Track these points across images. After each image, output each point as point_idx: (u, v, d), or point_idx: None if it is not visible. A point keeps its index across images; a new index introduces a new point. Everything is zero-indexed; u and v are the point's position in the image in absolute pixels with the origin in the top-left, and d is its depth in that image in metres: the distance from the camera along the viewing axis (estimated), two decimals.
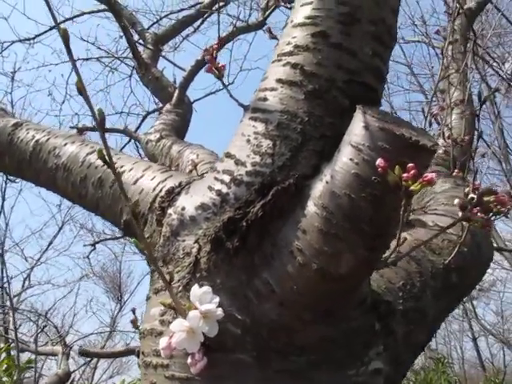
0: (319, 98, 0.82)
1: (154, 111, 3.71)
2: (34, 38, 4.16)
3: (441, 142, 2.44)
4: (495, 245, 7.96)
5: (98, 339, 10.09)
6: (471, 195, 0.78)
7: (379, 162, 0.61)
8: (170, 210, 0.93)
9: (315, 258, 0.71)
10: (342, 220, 0.69)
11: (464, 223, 1.23)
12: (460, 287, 1.26)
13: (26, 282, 8.93)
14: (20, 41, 4.32)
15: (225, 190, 0.83)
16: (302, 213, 0.73)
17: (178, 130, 2.78)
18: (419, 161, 0.67)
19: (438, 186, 1.92)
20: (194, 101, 3.25)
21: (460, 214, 1.20)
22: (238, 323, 0.75)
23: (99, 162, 1.22)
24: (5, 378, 3.17)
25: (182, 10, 4.17)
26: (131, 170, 1.16)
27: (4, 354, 3.56)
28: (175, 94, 3.02)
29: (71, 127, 3.20)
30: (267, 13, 3.22)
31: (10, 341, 4.45)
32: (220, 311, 0.70)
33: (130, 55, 3.75)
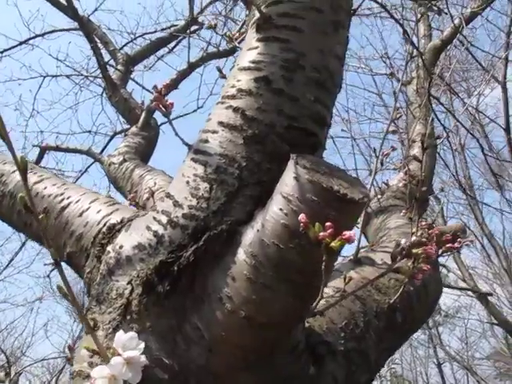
0: (258, 143, 0.83)
1: (121, 132, 3.69)
2: (2, 52, 4.11)
3: (401, 175, 2.50)
4: (459, 273, 8.10)
5: (58, 361, 9.80)
6: (401, 246, 0.78)
7: (301, 217, 0.61)
8: (109, 247, 0.92)
9: (243, 306, 0.71)
10: (270, 269, 0.69)
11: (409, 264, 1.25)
12: (404, 327, 1.27)
13: None
14: None
15: (161, 231, 0.83)
16: (233, 260, 0.73)
17: (143, 153, 2.76)
18: (347, 213, 0.68)
19: (393, 221, 1.96)
20: (162, 124, 3.24)
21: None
22: (166, 368, 0.74)
23: (46, 192, 1.20)
24: None
25: (156, 31, 4.16)
26: (78, 201, 1.15)
27: None
28: (142, 117, 3.01)
29: (33, 145, 3.15)
30: (237, 41, 3.26)
31: None
32: (143, 358, 0.69)
33: (101, 74, 3.73)
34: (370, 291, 1.24)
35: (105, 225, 1.03)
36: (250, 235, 0.73)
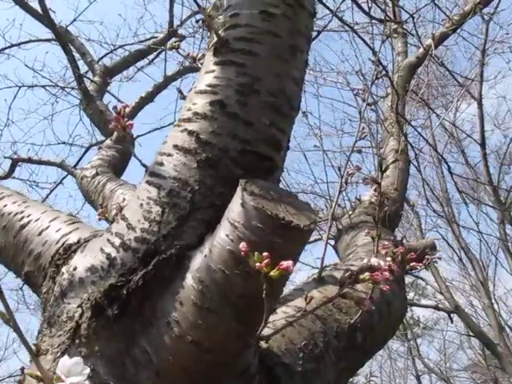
0: (211, 167, 0.83)
1: (96, 144, 3.67)
2: None
3: (371, 192, 2.52)
4: (436, 285, 8.17)
5: None
6: (349, 272, 0.79)
7: (241, 245, 0.62)
8: (63, 269, 0.91)
9: (190, 331, 0.71)
10: (216, 294, 0.69)
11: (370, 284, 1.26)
12: (365, 346, 1.28)
13: None
14: None
15: (114, 253, 0.83)
16: (181, 284, 0.73)
17: (116, 166, 2.75)
18: (292, 240, 0.69)
19: (361, 238, 1.98)
20: (137, 136, 3.23)
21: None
22: None
23: (6, 210, 1.19)
24: None
25: (133, 43, 4.16)
26: (38, 219, 1.14)
27: None
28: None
29: (5, 157, 3.11)
30: (201, 61, 3.28)
31: None
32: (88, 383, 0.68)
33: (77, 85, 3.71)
34: (331, 311, 1.24)
35: (63, 244, 1.02)
36: (198, 260, 0.73)
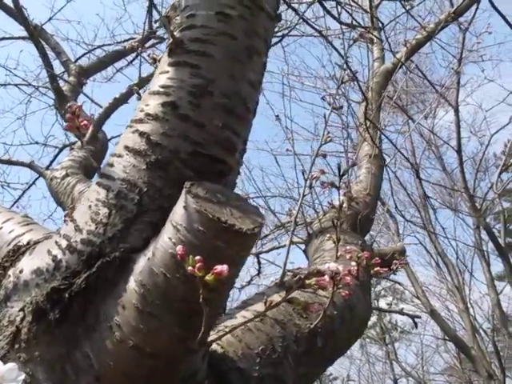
0: (161, 168, 0.82)
1: (69, 145, 3.61)
2: None
3: (342, 197, 2.53)
4: (413, 290, 8.24)
5: None
6: (298, 276, 0.79)
7: (178, 248, 0.61)
8: (10, 271, 0.89)
9: (132, 335, 0.69)
10: (158, 299, 0.68)
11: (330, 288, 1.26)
12: (325, 351, 1.27)
13: None
14: None
15: (60, 256, 0.81)
16: (124, 288, 0.72)
17: (87, 167, 2.71)
18: (235, 244, 0.68)
19: (329, 243, 1.97)
20: (112, 138, 3.19)
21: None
22: None
23: None
24: None
25: (111, 44, 4.12)
26: None
27: None
28: (89, 131, 2.96)
29: None
30: None
31: None
32: None
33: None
34: (291, 315, 1.24)
35: (15, 245, 1.00)
36: (141, 263, 0.72)
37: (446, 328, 8.23)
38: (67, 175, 2.50)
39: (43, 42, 3.64)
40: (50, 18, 4.20)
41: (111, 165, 0.86)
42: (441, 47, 6.82)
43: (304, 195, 1.38)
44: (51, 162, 3.72)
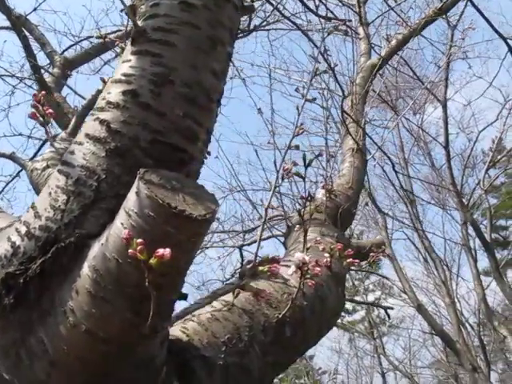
0: (120, 156, 0.83)
1: (53, 137, 3.59)
2: None
3: (323, 191, 2.54)
4: (400, 285, 8.29)
5: None
6: (252, 263, 0.80)
7: (124, 232, 0.62)
8: None
9: (84, 320, 0.70)
10: (110, 283, 0.69)
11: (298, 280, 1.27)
12: (294, 341, 1.28)
13: None
14: None
15: (18, 242, 0.81)
16: (78, 273, 0.72)
17: None
18: (186, 230, 0.69)
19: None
20: None
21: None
22: None
23: None
24: None
25: (90, 36, 4.10)
26: None
27: None
28: (71, 122, 2.95)
29: None
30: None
31: None
32: None
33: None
34: (260, 305, 1.25)
35: None
36: (95, 249, 0.72)
37: (433, 322, 8.30)
38: (48, 167, 2.48)
39: (27, 33, 3.62)
40: (35, 9, 4.18)
41: (72, 152, 0.86)
42: (430, 44, 6.85)
43: (276, 186, 1.39)
44: (35, 153, 3.71)
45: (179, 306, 1.16)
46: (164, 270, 0.64)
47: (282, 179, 1.43)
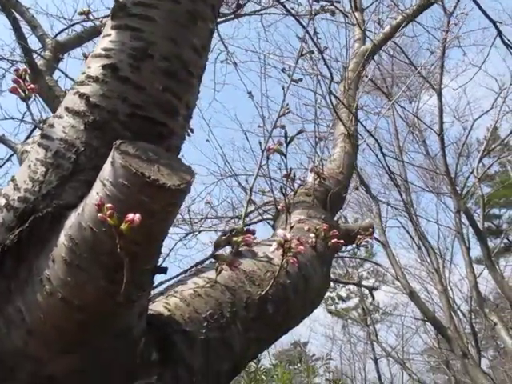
0: (99, 129, 0.83)
1: (45, 120, 3.58)
2: None
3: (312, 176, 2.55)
4: (393, 272, 8.35)
5: None
6: (226, 235, 0.81)
7: (96, 199, 0.62)
8: None
9: (60, 288, 0.71)
10: (85, 252, 0.70)
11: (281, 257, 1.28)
12: (276, 318, 1.30)
13: None
14: None
15: None
16: (55, 242, 0.73)
17: None
18: (159, 199, 0.70)
19: (293, 216, 2.00)
20: None
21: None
22: None
23: None
24: None
25: (83, 20, 4.07)
26: None
27: None
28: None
29: None
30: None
31: None
32: None
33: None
34: (243, 282, 1.26)
35: None
36: (72, 219, 0.73)
37: (425, 309, 8.37)
38: None
39: (18, 16, 3.59)
40: None
41: (52, 125, 0.87)
42: (426, 31, 6.84)
43: (261, 166, 1.40)
44: (27, 137, 3.69)
45: (160, 281, 1.17)
46: (137, 238, 0.65)
47: (268, 159, 1.44)
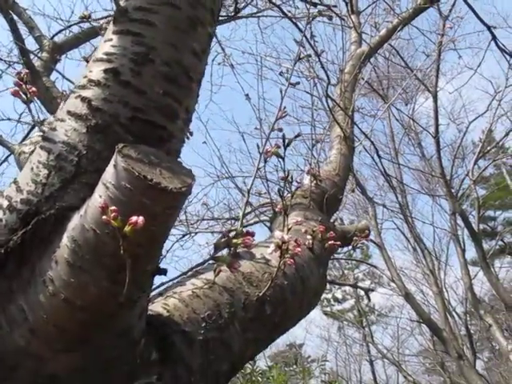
0: (101, 132, 0.85)
1: (42, 122, 3.59)
2: None
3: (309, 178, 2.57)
4: (389, 274, 8.39)
5: None
6: (225, 237, 0.82)
7: (100, 201, 0.64)
8: None
9: (63, 289, 0.73)
10: (88, 253, 0.71)
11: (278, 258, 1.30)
12: (274, 319, 1.32)
13: None
14: None
15: (0, 215, 0.83)
16: (58, 244, 0.75)
17: None
18: (161, 202, 0.71)
19: (290, 218, 2.02)
20: None
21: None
22: None
23: None
24: None
25: (80, 21, 4.08)
26: None
27: None
28: (60, 107, 2.95)
29: None
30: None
31: None
32: None
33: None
34: (241, 283, 1.28)
35: None
36: (75, 220, 0.74)
37: (421, 311, 8.40)
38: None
39: (16, 17, 3.60)
40: None
41: (54, 129, 0.88)
42: (422, 34, 6.87)
43: (258, 168, 1.42)
44: (24, 138, 3.70)
45: (160, 282, 1.18)
46: (139, 240, 0.66)
47: (265, 161, 1.45)
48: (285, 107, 1.45)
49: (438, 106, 8.02)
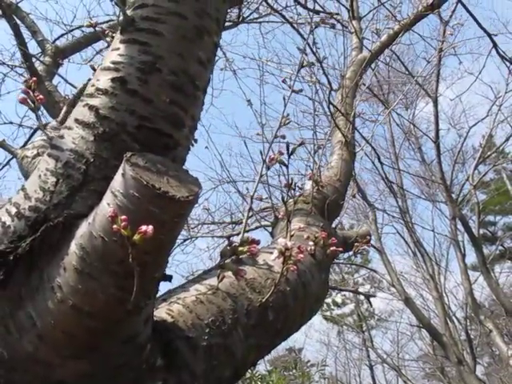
0: (108, 140, 0.86)
1: (44, 125, 3.60)
2: None
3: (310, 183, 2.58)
4: (389, 278, 8.39)
5: None
6: (232, 245, 0.83)
7: (109, 210, 0.65)
8: None
9: (71, 296, 0.73)
10: (96, 260, 0.72)
11: (281, 264, 1.31)
12: (276, 325, 1.32)
13: None
14: None
15: (8, 222, 0.84)
16: (66, 251, 0.76)
17: None
18: (169, 210, 0.72)
19: (293, 224, 2.03)
20: None
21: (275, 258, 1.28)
22: None
23: None
24: None
25: (82, 25, 4.10)
26: None
27: None
28: (62, 111, 2.96)
29: None
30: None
31: None
32: None
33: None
34: (244, 290, 1.28)
35: None
36: (83, 228, 0.75)
37: (421, 316, 8.41)
38: (38, 154, 2.50)
39: (18, 21, 3.62)
40: None
41: (61, 137, 0.90)
42: (422, 39, 6.89)
43: (261, 175, 1.43)
44: (26, 142, 3.71)
45: (165, 288, 1.19)
46: (148, 248, 0.67)
47: (268, 168, 1.46)
48: (288, 114, 1.46)
49: (439, 110, 8.04)
